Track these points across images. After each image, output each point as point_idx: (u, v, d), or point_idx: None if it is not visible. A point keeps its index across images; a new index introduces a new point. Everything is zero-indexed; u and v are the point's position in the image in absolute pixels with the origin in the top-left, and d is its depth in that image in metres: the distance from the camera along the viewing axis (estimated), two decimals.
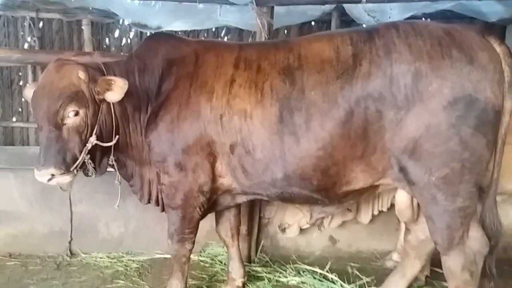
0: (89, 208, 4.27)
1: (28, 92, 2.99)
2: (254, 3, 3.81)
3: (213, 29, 5.74)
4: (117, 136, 2.98)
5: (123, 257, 4.22)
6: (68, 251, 4.23)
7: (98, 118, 2.88)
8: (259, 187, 3.00)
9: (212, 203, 3.24)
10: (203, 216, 3.23)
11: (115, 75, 2.98)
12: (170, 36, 3.41)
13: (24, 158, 4.33)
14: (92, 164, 2.93)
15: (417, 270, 3.42)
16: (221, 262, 4.14)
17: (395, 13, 4.56)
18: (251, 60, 2.94)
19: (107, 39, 5.79)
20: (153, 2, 4.56)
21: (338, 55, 2.74)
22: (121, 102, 2.91)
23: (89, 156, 2.86)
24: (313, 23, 5.80)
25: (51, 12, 5.56)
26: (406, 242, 3.37)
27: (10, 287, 3.70)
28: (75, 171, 2.83)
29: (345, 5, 4.91)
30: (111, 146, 2.98)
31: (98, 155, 3.00)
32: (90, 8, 5.32)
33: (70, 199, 4.20)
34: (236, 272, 3.57)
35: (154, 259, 4.25)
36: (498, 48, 2.60)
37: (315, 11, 4.91)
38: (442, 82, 2.50)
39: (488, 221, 2.81)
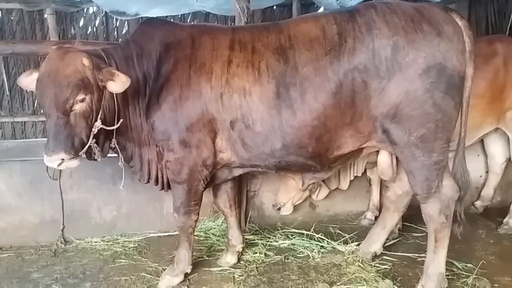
0: (80, 194, 4.32)
1: (23, 80, 3.05)
2: None
3: (179, 15, 5.84)
4: (121, 120, 3.12)
5: (118, 239, 4.32)
6: (62, 239, 4.27)
7: (102, 103, 2.99)
8: (258, 158, 3.27)
9: (211, 177, 3.46)
10: (205, 189, 3.46)
11: (115, 61, 3.11)
12: (163, 21, 3.56)
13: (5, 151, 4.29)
14: (98, 148, 3.06)
15: (395, 222, 3.88)
16: (215, 235, 4.37)
17: None
18: (245, 42, 3.17)
19: (72, 28, 5.72)
20: None
21: (324, 34, 3.04)
22: None
23: (94, 140, 2.99)
24: (275, 7, 6.06)
25: (10, 2, 5.41)
26: (385, 198, 3.81)
27: (11, 277, 3.71)
28: (82, 155, 2.96)
29: None
30: (113, 129, 3.11)
31: (101, 139, 3.12)
32: None
33: (60, 187, 4.23)
34: (236, 239, 3.84)
35: (149, 238, 4.39)
36: (459, 22, 3.00)
37: None
38: (417, 53, 2.86)
39: (459, 174, 3.24)
